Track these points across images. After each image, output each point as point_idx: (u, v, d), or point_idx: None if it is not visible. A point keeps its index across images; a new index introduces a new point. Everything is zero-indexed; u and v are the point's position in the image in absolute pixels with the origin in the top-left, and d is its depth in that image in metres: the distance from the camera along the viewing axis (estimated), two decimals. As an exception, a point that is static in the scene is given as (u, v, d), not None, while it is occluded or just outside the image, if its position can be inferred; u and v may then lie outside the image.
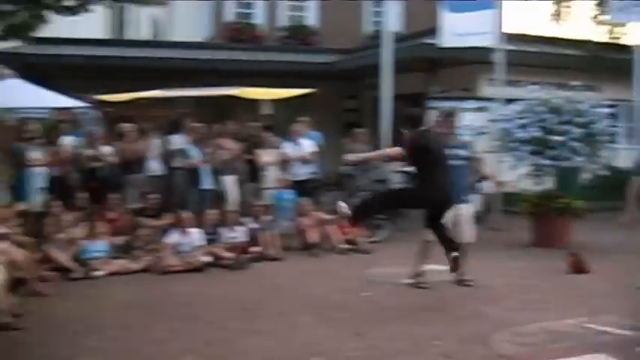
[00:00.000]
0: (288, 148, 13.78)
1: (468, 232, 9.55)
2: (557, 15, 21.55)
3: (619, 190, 8.61)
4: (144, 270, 10.46)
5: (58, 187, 11.69)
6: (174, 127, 13.33)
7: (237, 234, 11.47)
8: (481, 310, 8.26)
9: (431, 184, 8.00)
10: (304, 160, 13.69)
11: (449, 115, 10.31)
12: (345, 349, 6.69)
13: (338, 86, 22.32)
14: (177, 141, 12.91)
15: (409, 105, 18.30)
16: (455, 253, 8.08)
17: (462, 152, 9.48)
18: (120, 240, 11.04)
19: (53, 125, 13.61)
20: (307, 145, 13.87)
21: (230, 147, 13.32)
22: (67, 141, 12.78)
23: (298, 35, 25.05)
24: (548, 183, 13.42)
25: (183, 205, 12.29)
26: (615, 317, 7.89)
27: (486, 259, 11.38)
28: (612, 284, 9.48)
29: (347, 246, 12.20)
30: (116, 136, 13.07)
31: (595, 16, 20.86)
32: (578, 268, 10.38)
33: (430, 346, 6.80)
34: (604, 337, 7.25)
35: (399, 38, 18.47)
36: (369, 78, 21.42)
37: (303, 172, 13.67)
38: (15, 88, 16.07)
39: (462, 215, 9.44)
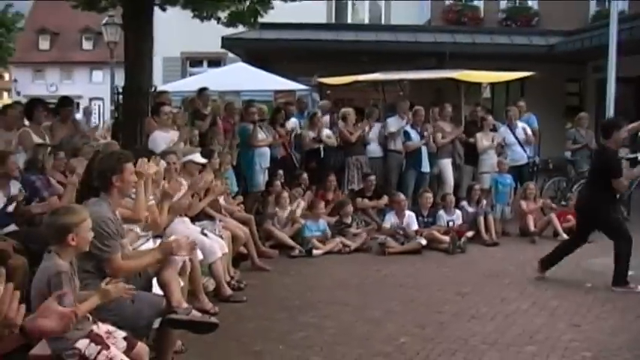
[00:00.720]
0: (507, 132, 13.56)
1: None
2: None
3: None
4: (360, 250, 10.63)
5: (280, 167, 12.09)
6: (392, 110, 13.44)
7: (455, 217, 11.43)
8: None
9: None
10: (522, 144, 13.43)
11: None
12: (563, 339, 6.53)
13: (559, 69, 21.70)
14: (396, 124, 12.99)
15: (635, 88, 17.64)
16: None
17: None
18: (335, 219, 11.25)
19: (277, 107, 14.05)
20: (525, 129, 13.58)
21: (448, 130, 13.29)
22: (291, 123, 13.19)
23: (519, 17, 24.53)
24: None
25: (401, 187, 12.40)
26: None
27: None
28: None
29: (567, 234, 11.85)
30: (337, 118, 13.33)
31: None
32: None
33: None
34: None
35: (625, 18, 17.71)
36: (592, 60, 20.74)
37: (521, 157, 13.42)
38: (240, 72, 16.78)
39: None
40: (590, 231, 8.81)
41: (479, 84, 15.72)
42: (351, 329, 6.85)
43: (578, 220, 9.20)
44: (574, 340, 6.53)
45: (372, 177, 12.21)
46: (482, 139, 13.31)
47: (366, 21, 26.13)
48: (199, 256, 6.96)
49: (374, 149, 13.05)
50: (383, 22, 25.83)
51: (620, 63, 14.54)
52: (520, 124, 13.65)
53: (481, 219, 11.57)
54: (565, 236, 11.50)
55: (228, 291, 7.83)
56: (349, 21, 25.95)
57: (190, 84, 15.57)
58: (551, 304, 7.77)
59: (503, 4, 24.93)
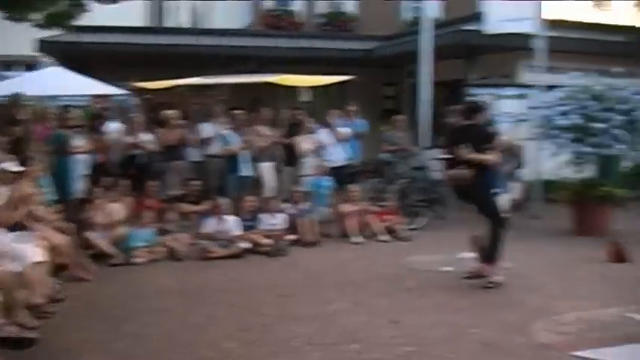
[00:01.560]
0: (326, 135, 13.81)
1: None
2: (598, 1, 21.29)
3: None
4: (182, 257, 10.53)
5: (99, 174, 11.81)
6: (211, 115, 13.37)
7: (276, 220, 11.51)
8: (520, 298, 8.23)
9: None
10: (341, 147, 13.70)
11: None
12: (384, 336, 6.70)
13: (377, 73, 22.26)
14: (215, 128, 12.96)
15: (448, 92, 18.32)
16: None
17: None
18: (158, 226, 11.11)
19: (95, 113, 13.74)
20: (345, 132, 13.87)
21: (268, 134, 13.37)
22: (109, 128, 12.90)
23: (337, 22, 24.97)
24: (589, 171, 13.29)
25: (221, 191, 12.38)
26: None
27: (526, 247, 11.35)
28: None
29: (386, 233, 12.18)
30: (156, 123, 13.16)
31: (637, 2, 20.59)
32: (618, 256, 10.28)
33: (468, 334, 6.79)
34: (643, 327, 7.21)
35: (439, 25, 18.35)
36: (408, 65, 21.36)
37: (340, 159, 13.69)
38: (56, 76, 16.24)
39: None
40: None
41: (298, 88, 15.89)
42: (174, 336, 6.77)
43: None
44: (395, 336, 6.71)
45: (194, 182, 12.13)
46: (303, 142, 13.47)
47: (187, 24, 25.90)
48: (13, 267, 6.69)
49: (194, 154, 12.97)
50: (203, 25, 25.68)
51: (436, 67, 15.05)
52: (340, 127, 13.92)
53: (302, 221, 11.72)
54: (384, 234, 11.84)
55: (46, 301, 7.56)
56: (169, 24, 25.64)
57: (3, 88, 14.96)
58: (372, 302, 7.96)
59: (322, 9, 25.30)
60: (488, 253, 8.70)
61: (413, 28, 21.58)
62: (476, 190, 8.62)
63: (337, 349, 6.35)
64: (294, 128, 13.83)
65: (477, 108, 9.01)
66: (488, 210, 8.76)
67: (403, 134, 14.86)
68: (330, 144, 13.68)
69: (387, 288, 8.63)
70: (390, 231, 12.23)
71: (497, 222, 8.72)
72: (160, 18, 25.83)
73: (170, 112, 13.04)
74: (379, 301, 8.03)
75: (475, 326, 7.02)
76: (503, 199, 9.44)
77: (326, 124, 13.97)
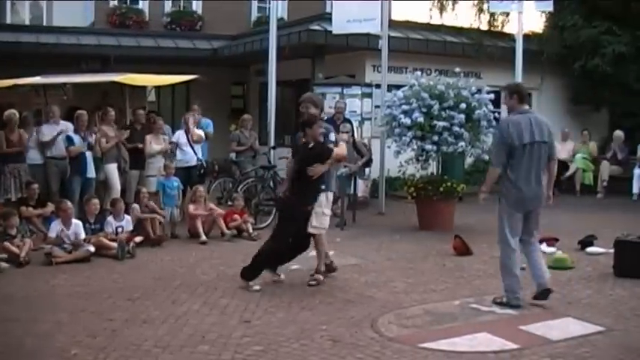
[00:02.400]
0: (174, 135, 13.69)
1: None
2: (440, 3, 21.91)
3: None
4: (26, 262, 10.15)
5: None
6: (53, 115, 12.94)
7: (123, 222, 11.29)
8: (368, 293, 8.38)
9: None
10: (191, 147, 13.61)
11: None
12: (234, 336, 6.68)
13: (224, 72, 22.24)
14: (49, 130, 12.56)
15: (295, 91, 18.46)
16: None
17: None
18: (1, 231, 10.70)
19: None
20: (194, 132, 13.77)
21: (112, 134, 13.09)
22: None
23: (183, 21, 24.74)
24: (433, 168, 13.68)
25: (65, 194, 12.04)
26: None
27: (373, 243, 11.60)
28: (496, 265, 9.73)
29: (234, 233, 12.16)
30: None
31: (477, 5, 21.33)
32: (462, 250, 10.63)
33: (318, 331, 6.85)
34: (487, 317, 7.47)
35: (286, 24, 18.51)
36: (255, 64, 21.44)
37: (191, 158, 13.60)
38: None
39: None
40: None
41: (144, 87, 15.67)
42: (20, 345, 6.53)
43: None
44: (245, 335, 6.70)
45: (35, 185, 11.74)
46: (152, 143, 13.29)
47: (27, 22, 25.09)
48: None
49: (34, 156, 12.52)
50: (45, 23, 24.93)
51: (283, 66, 15.14)
52: (190, 127, 13.82)
53: (149, 223, 11.57)
54: (232, 237, 11.83)
55: None
56: (8, 21, 24.75)
57: None
58: (222, 303, 7.92)
59: (167, 8, 25.01)
60: (255, 263, 8.72)
61: (260, 27, 21.71)
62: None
63: (187, 351, 6.29)
64: (143, 128, 13.63)
65: (307, 122, 8.77)
66: (278, 226, 8.99)
67: (250, 133, 14.89)
68: (184, 144, 13.57)
69: (236, 288, 8.61)
70: (239, 230, 12.22)
71: (276, 241, 8.80)
72: (0, 15, 24.91)
73: (10, 113, 12.55)
74: (229, 301, 8.01)
75: (324, 323, 7.10)
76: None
77: (175, 124, 13.83)
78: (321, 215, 8.86)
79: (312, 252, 9.32)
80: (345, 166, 13.26)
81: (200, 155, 13.83)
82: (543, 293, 7.86)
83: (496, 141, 8.04)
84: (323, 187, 8.77)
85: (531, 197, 7.77)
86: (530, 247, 7.93)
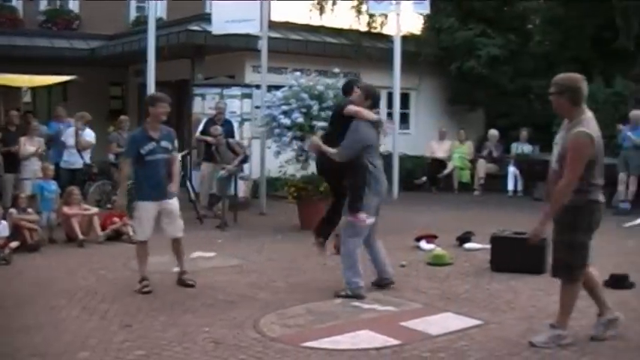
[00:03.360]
0: (69, 136, 13.43)
1: (178, 226, 8.91)
2: (319, 4, 22.09)
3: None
4: None
5: None
6: None
7: (0, 228, 10.93)
8: (250, 294, 8.38)
9: None
10: (79, 149, 13.38)
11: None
12: (115, 341, 6.57)
13: (102, 73, 21.86)
14: None
15: (175, 92, 18.31)
16: None
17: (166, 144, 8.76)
18: None
19: None
20: (82, 140, 13.53)
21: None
22: None
23: (59, 20, 24.10)
24: (313, 167, 13.75)
25: None
26: (381, 294, 8.30)
27: (254, 243, 11.61)
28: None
29: (105, 233, 11.94)
30: None
31: (356, 6, 21.58)
32: (342, 249, 10.71)
33: (200, 333, 6.81)
34: (368, 314, 7.57)
35: (165, 24, 18.32)
36: (134, 65, 21.15)
37: (74, 161, 13.35)
38: None
39: (172, 209, 8.84)
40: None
41: (19, 88, 15.27)
42: None
43: None
44: (126, 340, 6.59)
45: None
46: (27, 145, 12.96)
47: None
48: None
49: None
50: None
51: (163, 67, 14.97)
52: (68, 128, 13.56)
53: (26, 227, 11.23)
54: (111, 240, 11.61)
55: None
56: None
57: None
58: (102, 308, 7.78)
59: (42, 6, 24.33)
60: None
61: (138, 27, 21.42)
62: None
63: (66, 358, 6.16)
64: (17, 130, 13.28)
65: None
66: None
67: (129, 135, 14.67)
68: (71, 146, 13.31)
69: (117, 292, 8.48)
70: (119, 233, 12.02)
71: None
72: None
73: None
74: (109, 305, 7.87)
75: (206, 325, 7.06)
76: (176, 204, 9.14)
77: (51, 125, 13.52)
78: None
79: (197, 253, 9.32)
80: (223, 168, 13.25)
81: (87, 159, 13.61)
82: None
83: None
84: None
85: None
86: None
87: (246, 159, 14.47)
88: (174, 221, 8.78)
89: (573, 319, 7.09)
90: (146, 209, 8.58)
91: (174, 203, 8.78)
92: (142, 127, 8.79)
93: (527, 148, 19.16)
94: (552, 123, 18.17)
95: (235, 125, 15.30)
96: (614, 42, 18.99)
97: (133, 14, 25.22)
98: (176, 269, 9.16)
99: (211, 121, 14.27)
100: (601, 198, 6.40)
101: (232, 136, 14.26)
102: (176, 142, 9.04)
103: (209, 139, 13.74)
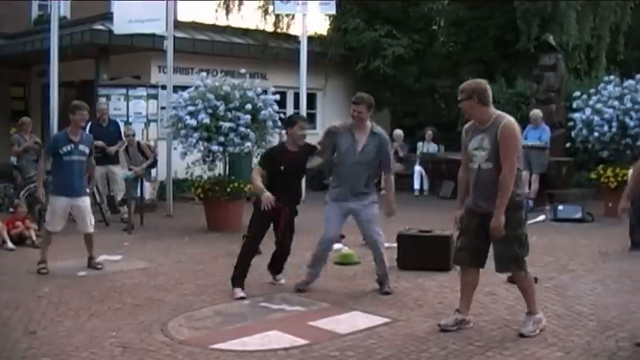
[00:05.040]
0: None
1: (89, 222, 9.74)
2: (226, 5, 22.02)
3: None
4: None
5: None
6: None
7: None
8: (157, 297, 8.29)
9: None
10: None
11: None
12: (19, 349, 6.42)
13: (3, 73, 21.36)
14: None
15: (80, 92, 18.02)
16: None
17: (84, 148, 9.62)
18: None
19: None
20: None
21: None
22: None
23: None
24: (220, 168, 13.71)
25: None
26: (289, 295, 8.30)
27: (162, 246, 11.51)
28: (286, 263, 9.89)
29: (16, 240, 11.69)
30: None
31: (263, 7, 21.58)
32: (251, 249, 10.69)
33: (107, 338, 6.71)
34: (277, 315, 7.59)
35: (68, 24, 18.00)
36: (37, 65, 20.72)
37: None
38: None
39: (82, 207, 9.64)
40: None
41: None
42: None
43: None
44: (31, 347, 6.44)
45: None
46: None
47: None
48: None
49: None
50: None
51: (62, 68, 14.72)
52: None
53: None
54: (11, 245, 11.33)
55: None
56: None
57: None
58: (5, 315, 7.54)
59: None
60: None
61: (40, 26, 21.01)
62: None
63: (-34, 368, 6.02)
64: None
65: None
66: None
67: (31, 136, 14.38)
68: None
69: (20, 297, 8.28)
70: (22, 238, 11.75)
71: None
72: None
73: None
74: (12, 312, 7.67)
75: (113, 329, 6.96)
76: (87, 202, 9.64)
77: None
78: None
79: (103, 257, 9.23)
80: (130, 169, 13.11)
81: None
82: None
83: None
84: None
85: None
86: None
87: (155, 163, 14.34)
88: (85, 218, 9.66)
89: (477, 314, 7.28)
90: (58, 203, 9.51)
91: (85, 201, 9.70)
92: (65, 130, 9.72)
93: (432, 148, 19.46)
94: (457, 122, 18.67)
95: (141, 126, 15.14)
96: (516, 44, 19.50)
97: (35, 12, 24.68)
98: (82, 273, 9.07)
99: (97, 124, 13.95)
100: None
101: (120, 138, 14.06)
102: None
103: (99, 143, 13.44)
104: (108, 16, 17.46)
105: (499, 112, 6.67)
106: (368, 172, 8.55)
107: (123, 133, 14.02)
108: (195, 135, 12.73)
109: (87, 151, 9.63)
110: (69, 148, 9.42)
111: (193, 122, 12.63)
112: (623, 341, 6.59)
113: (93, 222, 9.85)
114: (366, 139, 8.41)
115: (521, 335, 6.66)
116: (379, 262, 8.52)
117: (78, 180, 9.56)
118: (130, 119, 15.65)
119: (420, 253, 9.61)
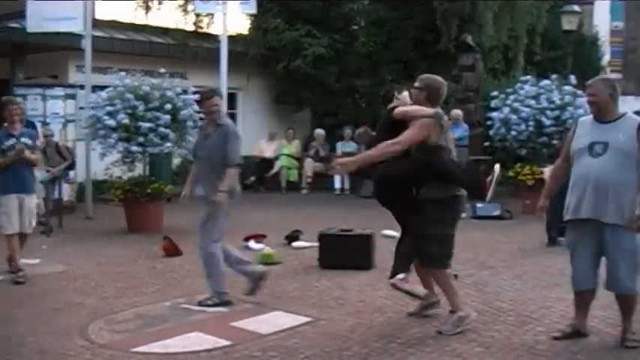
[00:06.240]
0: None
1: (31, 223, 9.58)
2: (145, 3, 21.77)
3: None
4: None
5: None
6: None
7: None
8: (77, 300, 8.17)
9: None
10: None
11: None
12: None
13: None
14: None
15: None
16: None
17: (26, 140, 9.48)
18: None
19: None
20: None
21: None
22: None
23: None
24: (140, 169, 13.57)
25: None
26: (209, 296, 8.24)
27: (81, 248, 11.35)
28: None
29: None
30: None
31: (182, 6, 21.40)
32: (172, 251, 10.62)
33: (25, 344, 6.58)
34: (199, 316, 7.54)
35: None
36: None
37: None
38: None
39: (29, 205, 9.48)
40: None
41: None
42: None
43: None
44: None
45: None
46: None
47: None
48: None
49: None
50: None
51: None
52: None
53: None
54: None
55: None
56: None
57: None
58: None
59: None
60: None
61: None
62: None
63: None
64: None
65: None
66: None
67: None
68: None
69: None
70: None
71: None
72: None
73: None
74: None
75: (32, 334, 6.83)
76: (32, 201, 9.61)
77: None
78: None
79: (20, 260, 9.10)
80: (48, 171, 12.89)
81: None
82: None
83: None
84: None
85: None
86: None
87: (73, 165, 14.13)
88: (31, 217, 9.54)
89: (398, 312, 7.36)
90: (11, 201, 9.25)
91: (32, 199, 9.63)
92: (4, 126, 9.51)
93: (351, 147, 19.57)
94: (377, 121, 18.66)
95: (58, 127, 14.89)
96: (435, 44, 19.73)
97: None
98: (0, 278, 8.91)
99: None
100: (462, 192, 6.89)
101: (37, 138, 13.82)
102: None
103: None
104: (24, 14, 17.13)
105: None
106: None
107: (40, 134, 13.77)
108: (114, 135, 12.58)
109: (30, 142, 9.51)
110: (11, 143, 9.27)
111: (112, 123, 12.48)
112: (541, 335, 6.75)
113: (34, 224, 9.71)
114: (211, 130, 8.05)
115: (440, 332, 6.75)
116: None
117: (27, 175, 9.47)
118: (48, 120, 15.38)
119: (342, 252, 9.65)
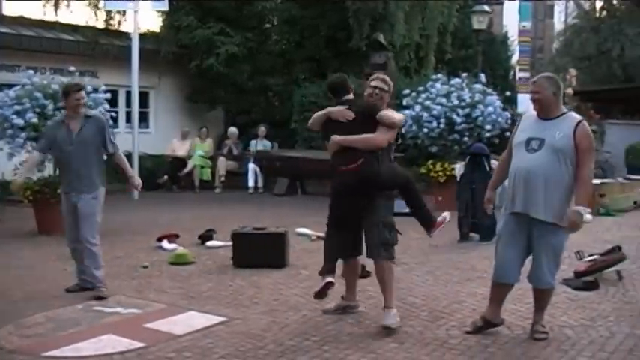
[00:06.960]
0: None
1: None
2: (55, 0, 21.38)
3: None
4: None
5: None
6: None
7: None
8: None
9: None
10: None
11: None
12: None
13: None
14: None
15: None
16: None
17: None
18: None
19: None
20: None
21: None
22: None
23: None
24: (50, 169, 13.33)
25: None
26: (123, 297, 8.16)
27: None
28: (119, 265, 9.76)
29: None
30: None
31: (93, 3, 21.09)
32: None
33: None
34: (111, 318, 7.45)
35: None
36: None
37: None
38: None
39: None
40: None
41: None
42: None
43: None
44: None
45: None
46: None
47: None
48: None
49: None
50: None
51: None
52: None
53: None
54: None
55: None
56: None
57: None
58: None
59: None
60: None
61: None
62: None
63: None
64: None
65: None
66: None
67: None
68: None
69: None
70: None
71: None
72: None
73: None
74: None
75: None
76: None
77: None
78: None
79: None
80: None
81: None
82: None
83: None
84: None
85: None
86: None
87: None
88: None
89: (313, 310, 7.41)
90: None
91: None
92: None
93: (265, 145, 19.58)
94: (290, 120, 18.90)
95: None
96: (348, 42, 19.87)
97: None
98: None
99: None
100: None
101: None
102: None
103: None
104: None
105: None
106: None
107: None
108: (23, 135, 12.33)
109: None
110: None
111: (20, 122, 12.23)
112: (454, 329, 6.89)
113: None
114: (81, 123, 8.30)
115: (387, 327, 6.80)
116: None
117: None
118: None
119: (255, 251, 9.65)
